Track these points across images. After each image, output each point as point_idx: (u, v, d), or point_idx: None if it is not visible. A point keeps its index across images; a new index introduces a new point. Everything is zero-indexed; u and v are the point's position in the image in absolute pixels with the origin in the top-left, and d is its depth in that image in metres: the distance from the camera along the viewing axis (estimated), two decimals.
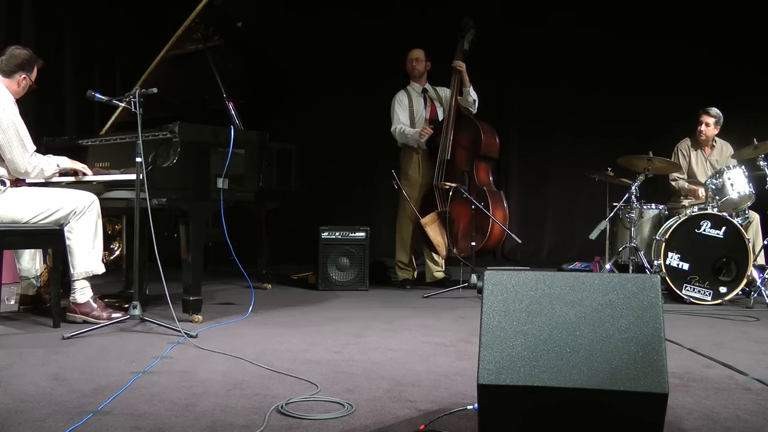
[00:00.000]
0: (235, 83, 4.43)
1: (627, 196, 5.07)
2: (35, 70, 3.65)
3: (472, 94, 5.34)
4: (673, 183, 5.54)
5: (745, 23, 6.65)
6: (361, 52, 6.93)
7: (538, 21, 7.21)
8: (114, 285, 4.76)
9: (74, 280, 3.53)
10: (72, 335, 3.21)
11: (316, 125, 6.81)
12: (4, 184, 3.46)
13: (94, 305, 3.56)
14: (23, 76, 3.57)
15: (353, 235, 5.22)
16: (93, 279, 3.60)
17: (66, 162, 3.66)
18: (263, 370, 2.66)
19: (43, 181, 3.62)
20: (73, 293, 3.55)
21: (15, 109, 3.51)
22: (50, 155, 3.66)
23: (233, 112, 4.28)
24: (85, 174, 3.72)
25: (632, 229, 5.05)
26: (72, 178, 3.70)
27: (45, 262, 3.93)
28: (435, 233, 5.21)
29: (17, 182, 3.56)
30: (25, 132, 3.50)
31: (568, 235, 7.29)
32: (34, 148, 3.54)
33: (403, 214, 5.51)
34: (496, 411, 1.80)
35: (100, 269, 3.58)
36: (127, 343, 3.16)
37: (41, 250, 3.88)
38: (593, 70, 7.00)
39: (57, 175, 3.63)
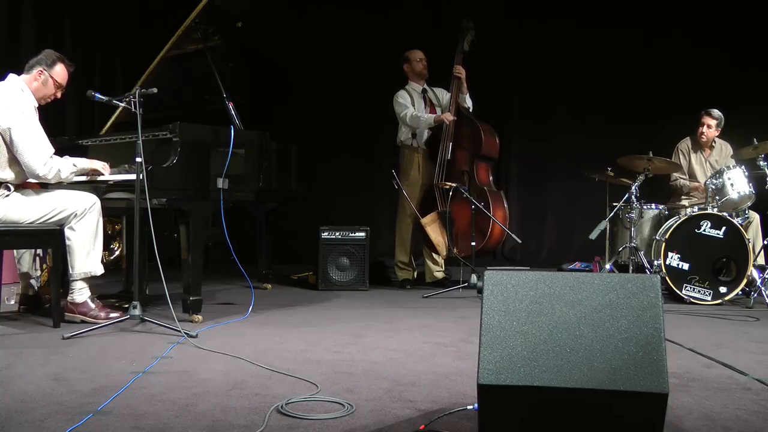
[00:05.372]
0: (235, 83, 4.43)
1: (627, 196, 5.06)
2: (58, 66, 3.60)
3: (468, 102, 5.40)
4: (674, 182, 5.54)
5: (745, 23, 6.64)
6: (360, 51, 6.92)
7: (538, 20, 7.21)
8: (114, 285, 4.76)
9: (73, 280, 3.53)
10: (72, 335, 3.21)
11: (316, 125, 6.81)
12: (9, 189, 3.46)
13: (92, 305, 3.56)
14: (40, 69, 3.55)
15: (353, 235, 5.21)
16: (92, 279, 3.60)
17: (83, 162, 3.62)
18: (263, 370, 2.66)
19: (61, 182, 3.56)
20: (72, 293, 3.55)
21: (34, 113, 3.50)
22: (67, 156, 3.61)
23: (233, 112, 4.28)
24: (101, 174, 3.64)
25: (632, 229, 5.04)
26: (83, 178, 3.66)
27: (45, 262, 3.93)
28: (435, 233, 5.21)
29: (21, 186, 3.55)
30: (43, 135, 3.48)
31: (568, 235, 7.29)
32: (53, 150, 3.51)
33: (403, 213, 5.50)
34: (496, 411, 1.80)
35: (99, 270, 3.57)
36: (127, 343, 3.16)
37: (41, 249, 3.87)
38: (593, 69, 6.99)
39: (74, 176, 3.57)
